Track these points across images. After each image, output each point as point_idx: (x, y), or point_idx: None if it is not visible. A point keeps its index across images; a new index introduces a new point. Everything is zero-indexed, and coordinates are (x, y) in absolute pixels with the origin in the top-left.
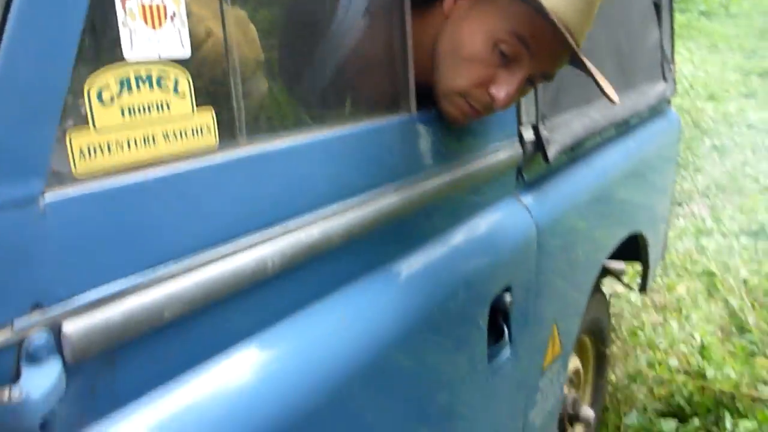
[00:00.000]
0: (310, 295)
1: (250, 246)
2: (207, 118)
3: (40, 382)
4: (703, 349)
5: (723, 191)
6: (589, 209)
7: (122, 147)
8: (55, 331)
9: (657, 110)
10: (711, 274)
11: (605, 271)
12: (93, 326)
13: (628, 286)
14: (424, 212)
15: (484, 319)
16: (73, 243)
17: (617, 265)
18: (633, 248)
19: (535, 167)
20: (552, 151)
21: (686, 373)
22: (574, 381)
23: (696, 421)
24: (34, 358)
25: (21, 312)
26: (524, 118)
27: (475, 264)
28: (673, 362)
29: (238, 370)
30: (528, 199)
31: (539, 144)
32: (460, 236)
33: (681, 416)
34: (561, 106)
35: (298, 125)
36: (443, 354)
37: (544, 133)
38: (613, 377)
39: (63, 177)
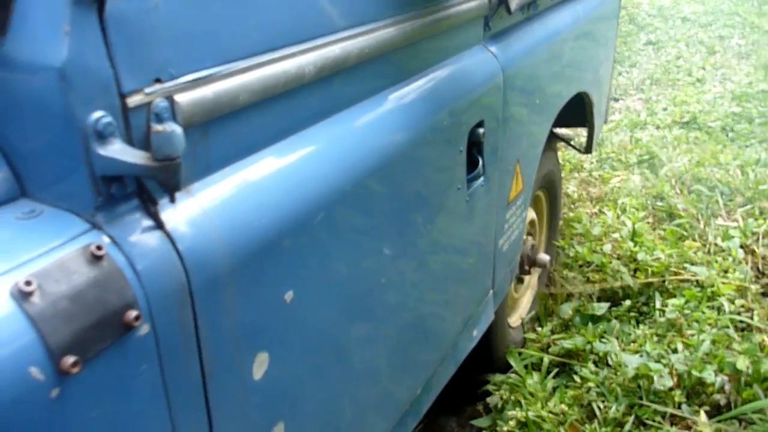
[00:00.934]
0: (336, 105)
1: (292, 55)
2: None
3: (156, 127)
4: (634, 235)
5: (657, 84)
6: (545, 61)
7: None
8: (170, 101)
9: None
10: (644, 165)
11: (556, 138)
12: (194, 100)
13: (576, 148)
14: (412, 49)
15: (463, 145)
16: (176, 35)
17: (566, 131)
18: (579, 115)
19: (499, 20)
20: (513, 4)
21: (619, 258)
22: (531, 231)
23: (628, 303)
24: (160, 118)
25: (147, 83)
26: None
27: (455, 96)
28: (607, 248)
29: (291, 156)
30: (494, 47)
31: None
32: (441, 73)
33: (614, 299)
34: None
35: None
36: (433, 165)
37: None
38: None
39: None
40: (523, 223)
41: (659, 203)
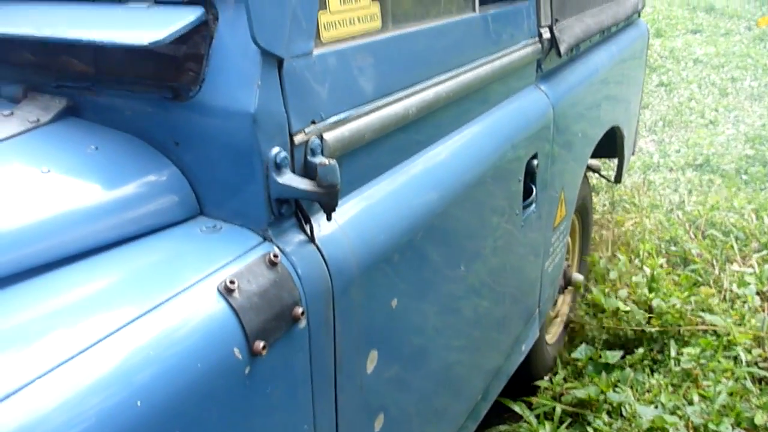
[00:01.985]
0: (429, 138)
1: (400, 99)
2: (376, 9)
3: (319, 160)
4: (652, 280)
5: (670, 126)
6: (586, 98)
7: (342, 24)
8: (321, 138)
9: (631, 20)
10: (658, 208)
11: (587, 168)
12: (336, 137)
13: (606, 178)
14: (482, 90)
15: (521, 175)
16: (324, 85)
17: (595, 162)
18: (609, 146)
19: (549, 62)
20: (563, 48)
21: (634, 303)
22: (566, 253)
23: (641, 351)
24: (314, 153)
25: (306, 124)
26: (543, 21)
27: (516, 131)
28: (623, 293)
29: (399, 180)
30: (545, 87)
31: (553, 41)
32: (504, 110)
33: (627, 347)
34: (566, 13)
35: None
36: (499, 193)
37: (556, 33)
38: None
39: (317, 42)
40: (564, 247)
41: (673, 248)
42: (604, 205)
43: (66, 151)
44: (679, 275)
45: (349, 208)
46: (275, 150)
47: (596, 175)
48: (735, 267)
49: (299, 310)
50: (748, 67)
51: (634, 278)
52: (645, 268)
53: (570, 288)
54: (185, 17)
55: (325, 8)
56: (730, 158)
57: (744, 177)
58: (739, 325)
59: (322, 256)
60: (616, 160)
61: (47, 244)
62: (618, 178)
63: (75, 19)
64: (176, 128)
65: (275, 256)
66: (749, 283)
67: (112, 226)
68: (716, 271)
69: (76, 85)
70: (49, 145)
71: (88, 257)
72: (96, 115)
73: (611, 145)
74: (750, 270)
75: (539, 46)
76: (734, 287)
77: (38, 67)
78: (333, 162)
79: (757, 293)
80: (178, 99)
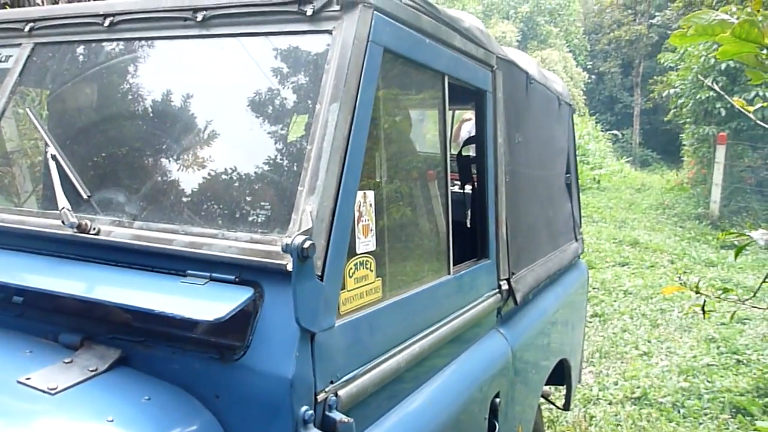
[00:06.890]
0: (412, 387)
1: (394, 355)
2: (378, 283)
3: (339, 417)
4: None
5: (606, 357)
6: (538, 338)
7: (354, 298)
8: (336, 395)
9: (572, 263)
10: None
11: None
12: (347, 393)
13: (556, 405)
14: (454, 339)
15: (487, 413)
16: (339, 351)
17: (545, 388)
18: (557, 375)
19: (506, 309)
20: (519, 296)
21: None
22: None
23: None
24: (331, 408)
25: (326, 385)
26: (501, 275)
27: (482, 373)
28: None
29: (387, 426)
30: (504, 330)
31: (511, 292)
32: (471, 354)
33: None
34: (520, 265)
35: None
36: (470, 429)
37: (513, 284)
38: None
39: (336, 314)
40: None
41: None
42: None
43: (124, 401)
44: None
45: None
46: (304, 408)
47: (546, 402)
48: None
49: None
50: (675, 299)
51: None
52: None
53: None
54: (239, 297)
55: (344, 288)
56: (666, 391)
57: (681, 410)
58: None
59: None
60: (563, 388)
61: None
62: (567, 406)
63: (138, 286)
64: (218, 384)
65: None
66: None
67: None
68: None
69: (130, 338)
70: (110, 395)
71: None
72: (146, 365)
73: (559, 374)
74: None
75: (499, 296)
76: None
77: (94, 319)
78: (350, 420)
79: None
80: (223, 360)
